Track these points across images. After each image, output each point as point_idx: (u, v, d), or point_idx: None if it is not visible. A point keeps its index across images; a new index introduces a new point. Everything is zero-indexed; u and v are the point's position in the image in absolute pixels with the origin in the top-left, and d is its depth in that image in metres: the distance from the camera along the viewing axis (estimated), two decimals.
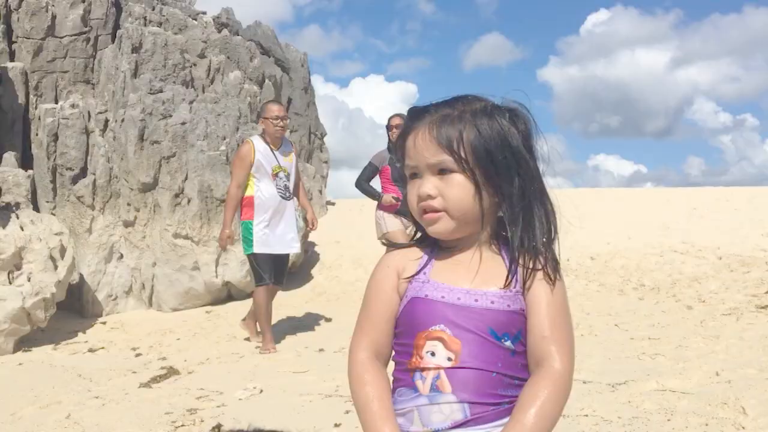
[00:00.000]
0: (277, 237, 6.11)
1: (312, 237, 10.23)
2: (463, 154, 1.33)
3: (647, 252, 9.31)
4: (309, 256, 10.18)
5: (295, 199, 6.34)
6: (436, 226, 1.37)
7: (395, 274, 1.42)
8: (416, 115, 1.41)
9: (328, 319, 7.23)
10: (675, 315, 6.22)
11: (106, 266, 8.86)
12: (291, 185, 6.21)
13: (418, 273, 1.40)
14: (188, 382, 4.85)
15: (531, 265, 1.35)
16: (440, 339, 1.33)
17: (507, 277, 1.34)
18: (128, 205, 8.96)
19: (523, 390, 1.32)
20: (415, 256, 1.43)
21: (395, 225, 6.65)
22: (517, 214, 1.35)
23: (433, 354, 1.33)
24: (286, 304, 8.29)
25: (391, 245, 1.52)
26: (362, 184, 6.78)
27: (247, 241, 6.07)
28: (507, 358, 1.33)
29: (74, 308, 8.51)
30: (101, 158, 9.01)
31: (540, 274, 1.35)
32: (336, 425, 3.55)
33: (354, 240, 11.13)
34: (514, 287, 1.35)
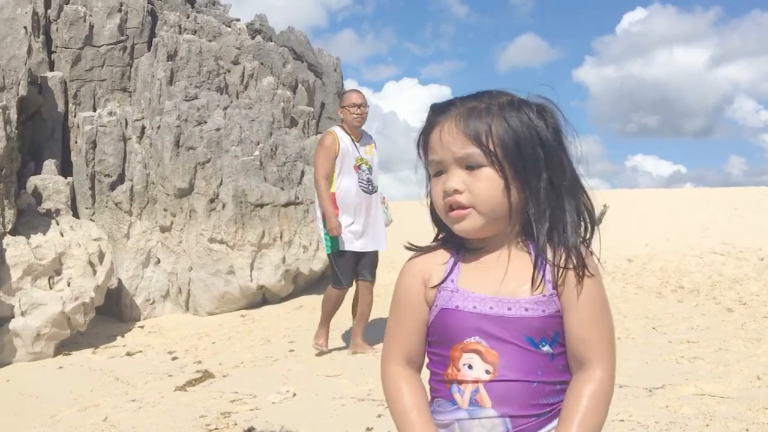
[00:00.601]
0: (364, 234, 5.84)
1: None
2: (492, 147, 1.28)
3: (686, 253, 9.13)
4: None
5: (379, 192, 6.02)
6: (463, 224, 1.31)
7: (421, 282, 1.37)
8: (440, 109, 1.35)
9: None
10: (715, 318, 6.09)
11: (143, 271, 8.98)
12: (374, 178, 5.93)
13: (445, 280, 1.35)
14: (223, 386, 4.89)
15: (563, 264, 1.29)
16: (477, 351, 1.29)
17: (533, 279, 1.29)
18: (165, 210, 9.08)
19: (565, 399, 1.29)
20: (440, 260, 1.38)
21: None
22: (543, 210, 1.29)
23: (470, 367, 1.30)
24: (320, 307, 8.30)
25: (414, 248, 1.46)
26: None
27: (329, 239, 5.78)
28: (546, 364, 1.29)
29: (113, 312, 8.64)
30: (138, 165, 9.15)
31: (573, 273, 1.29)
32: (368, 429, 3.54)
33: (389, 242, 11.12)
34: (547, 290, 1.29)
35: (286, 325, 7.41)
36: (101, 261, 7.95)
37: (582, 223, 1.33)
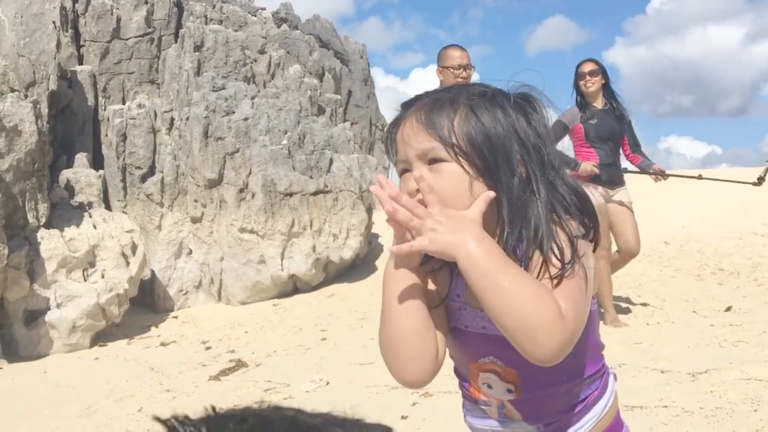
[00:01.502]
0: None
1: (375, 228, 10.20)
2: (454, 140, 1.14)
3: (725, 235, 8.91)
4: (372, 247, 10.15)
5: None
6: None
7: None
8: (407, 104, 1.24)
9: None
10: (757, 300, 5.91)
11: (176, 262, 9.03)
12: None
13: (450, 293, 1.24)
14: (256, 375, 4.88)
15: (538, 274, 1.12)
16: (493, 371, 1.22)
17: None
18: (195, 201, 9.10)
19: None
20: (444, 269, 1.24)
21: (594, 197, 5.76)
22: (516, 211, 1.14)
23: (489, 386, 1.23)
24: (352, 296, 8.28)
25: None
26: None
27: None
28: (569, 366, 1.17)
29: (147, 303, 8.71)
30: (168, 156, 9.19)
31: (545, 274, 1.12)
32: (403, 417, 3.48)
33: None
34: None
35: (317, 314, 7.39)
36: (134, 253, 8.00)
37: (568, 222, 1.16)
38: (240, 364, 5.26)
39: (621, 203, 5.38)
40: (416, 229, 1.10)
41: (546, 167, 1.18)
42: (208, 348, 6.28)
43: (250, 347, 6.04)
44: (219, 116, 9.07)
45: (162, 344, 6.82)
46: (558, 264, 1.11)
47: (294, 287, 8.88)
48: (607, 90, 5.36)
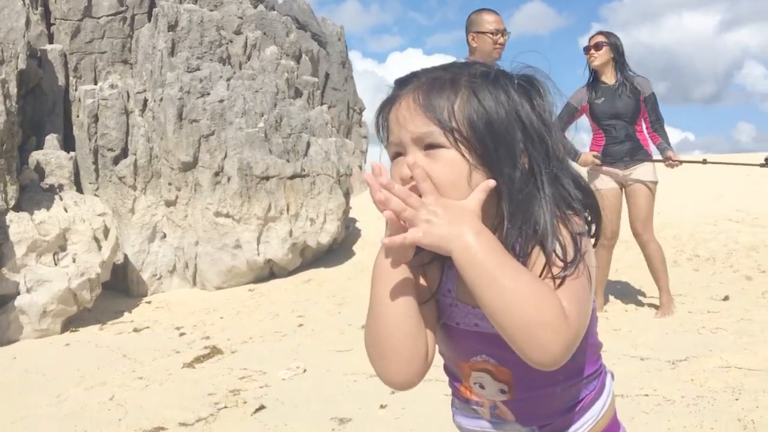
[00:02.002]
0: None
1: (353, 213, 10.11)
2: (454, 124, 1.06)
3: (700, 221, 8.96)
4: (350, 232, 10.08)
5: None
6: None
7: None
8: (402, 82, 1.14)
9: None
10: (734, 286, 5.94)
11: (149, 246, 8.88)
12: None
13: (441, 287, 1.17)
14: (231, 362, 4.79)
15: (540, 273, 1.05)
16: (486, 370, 1.15)
17: None
18: (169, 184, 8.94)
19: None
20: (434, 262, 1.17)
21: (605, 182, 5.17)
22: (517, 204, 1.06)
23: (482, 386, 1.16)
24: (329, 281, 8.21)
25: None
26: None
27: None
28: (567, 366, 1.05)
29: (120, 288, 8.56)
30: (141, 138, 9.00)
31: (547, 273, 1.05)
32: (382, 406, 3.42)
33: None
34: None
35: (293, 299, 7.31)
36: (106, 236, 7.84)
37: (572, 218, 1.09)
38: (215, 351, 5.16)
39: (638, 182, 5.10)
40: (409, 219, 1.02)
41: (551, 158, 1.10)
42: (182, 334, 6.17)
43: (225, 333, 5.94)
44: (194, 98, 8.90)
45: (135, 330, 6.70)
46: (561, 263, 1.04)
47: (270, 272, 8.78)
48: (618, 64, 5.11)
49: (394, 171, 1.12)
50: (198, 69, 9.14)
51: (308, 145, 9.21)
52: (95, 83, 9.50)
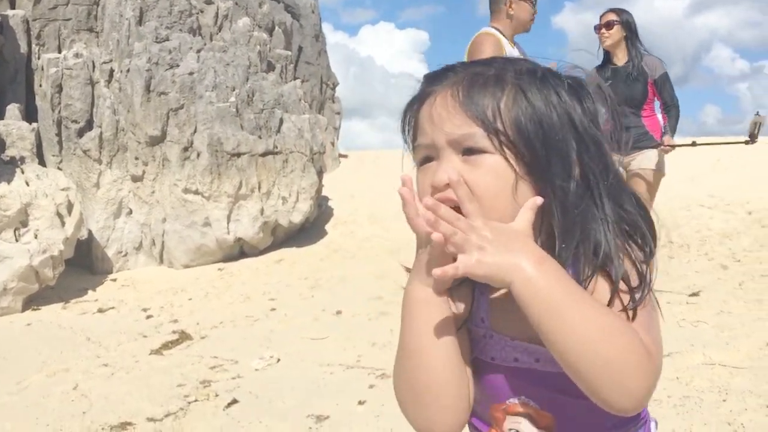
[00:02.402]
0: None
1: (326, 191, 9.93)
2: (501, 127, 0.92)
3: (672, 206, 8.95)
4: (323, 211, 9.91)
5: None
6: None
7: None
8: (435, 77, 0.99)
9: (344, 278, 6.98)
10: (710, 275, 5.92)
11: (114, 222, 8.62)
12: None
13: (472, 316, 1.01)
14: (201, 349, 4.63)
15: (613, 297, 0.91)
16: (525, 414, 0.98)
17: None
18: (136, 159, 8.67)
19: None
20: (463, 288, 0.99)
21: None
22: (573, 222, 0.92)
23: None
24: (301, 261, 8.05)
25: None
26: None
27: None
28: (617, 416, 0.93)
29: (84, 265, 8.31)
30: (107, 110, 8.69)
31: (617, 303, 0.91)
32: (360, 402, 3.30)
33: (369, 194, 10.83)
34: None
35: (265, 281, 7.14)
36: (70, 212, 7.56)
37: (632, 243, 0.96)
38: (184, 337, 4.99)
39: (639, 169, 4.83)
40: (459, 245, 0.87)
41: (609, 170, 0.95)
42: (149, 317, 5.97)
43: (194, 317, 5.76)
44: (162, 69, 8.60)
45: (99, 311, 6.48)
46: (627, 291, 0.90)
47: (240, 251, 8.59)
48: (629, 43, 4.79)
49: (422, 178, 0.97)
50: (167, 39, 8.82)
51: (281, 121, 8.98)
52: (59, 52, 9.13)
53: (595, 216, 0.93)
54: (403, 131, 1.03)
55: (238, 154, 8.44)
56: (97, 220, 8.44)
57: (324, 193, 9.83)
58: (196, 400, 3.55)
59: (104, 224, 8.51)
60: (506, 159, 0.91)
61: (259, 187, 8.51)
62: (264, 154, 8.60)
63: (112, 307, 6.61)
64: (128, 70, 8.64)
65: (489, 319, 0.99)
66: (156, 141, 8.54)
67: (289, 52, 11.33)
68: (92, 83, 8.81)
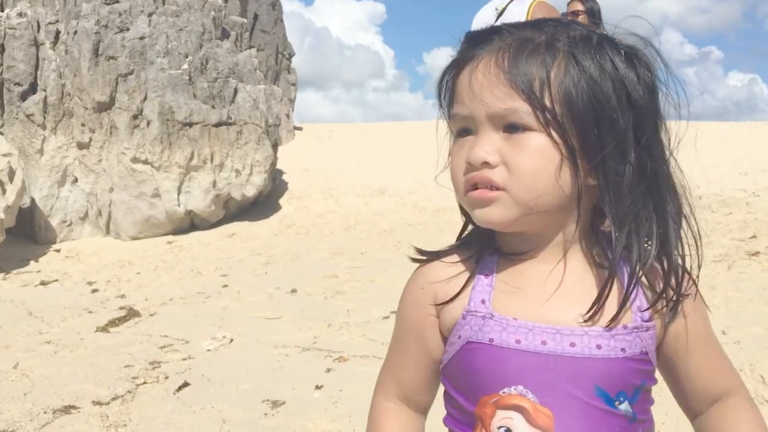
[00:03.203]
0: None
1: (280, 164, 9.74)
2: (548, 103, 0.83)
3: None
4: (277, 184, 9.72)
5: None
6: (487, 211, 0.86)
7: (431, 298, 0.94)
8: (478, 39, 0.89)
9: (299, 255, 6.85)
10: None
11: (59, 190, 8.30)
12: None
13: (471, 301, 0.91)
14: (150, 327, 4.47)
15: (670, 287, 0.88)
16: (519, 408, 0.86)
17: (620, 302, 0.86)
18: (82, 125, 8.33)
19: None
20: (460, 269, 0.93)
21: None
22: (628, 209, 0.85)
23: (508, 431, 0.87)
24: (254, 236, 7.88)
25: (424, 255, 0.98)
26: None
27: None
28: (624, 429, 0.86)
29: (26, 234, 7.99)
30: (52, 73, 8.31)
31: (680, 300, 0.89)
32: (317, 387, 3.21)
33: (324, 168, 10.68)
34: (633, 321, 0.87)
35: (217, 255, 6.96)
36: (11, 179, 7.23)
37: (677, 229, 0.90)
38: (132, 313, 4.81)
39: None
40: None
41: (664, 155, 0.87)
42: (95, 290, 5.76)
43: (142, 292, 5.57)
44: (111, 33, 8.24)
45: (42, 283, 6.23)
46: (684, 288, 0.88)
47: (191, 224, 8.37)
48: None
49: (457, 151, 0.89)
50: (117, 1, 8.46)
51: (236, 91, 8.73)
52: (1, 10, 8.66)
53: (648, 205, 0.86)
54: (439, 96, 0.93)
55: (190, 124, 8.18)
56: (40, 188, 8.11)
57: (278, 166, 9.63)
58: (144, 383, 3.41)
59: (48, 192, 8.18)
60: (552, 138, 0.83)
61: (212, 159, 8.28)
62: (217, 125, 8.36)
63: (56, 280, 6.37)
64: (75, 32, 8.27)
65: (490, 299, 0.90)
66: (104, 107, 8.21)
67: (245, 20, 11.02)
68: (37, 45, 8.40)
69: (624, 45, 0.88)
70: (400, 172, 10.76)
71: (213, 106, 8.41)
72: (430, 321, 0.94)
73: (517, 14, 4.15)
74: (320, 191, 9.70)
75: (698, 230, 0.91)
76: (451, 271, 0.93)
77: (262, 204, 9.05)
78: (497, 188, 0.84)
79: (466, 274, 0.92)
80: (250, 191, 8.50)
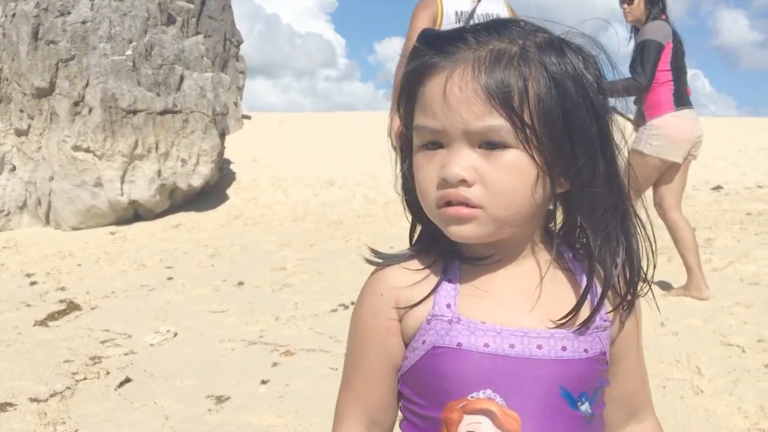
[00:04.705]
0: None
1: (227, 154, 9.60)
2: (528, 119, 0.81)
3: None
4: (224, 174, 9.58)
5: None
6: (464, 228, 0.85)
7: (392, 304, 0.91)
8: (443, 46, 0.86)
9: (246, 247, 6.77)
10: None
11: None
12: None
13: (435, 305, 0.90)
14: (91, 321, 4.35)
15: (624, 290, 0.91)
16: (487, 412, 0.85)
17: (596, 307, 0.88)
18: (21, 111, 8.05)
19: None
20: (425, 274, 0.91)
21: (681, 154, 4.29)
22: (601, 217, 0.87)
23: None
24: (200, 227, 7.76)
25: (380, 258, 0.96)
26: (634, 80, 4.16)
27: None
28: (584, 429, 0.88)
29: None
30: None
31: (629, 303, 0.93)
32: (263, 382, 3.17)
33: (272, 158, 10.58)
34: (592, 322, 0.89)
35: (162, 247, 6.82)
36: None
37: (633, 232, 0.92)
38: (72, 307, 4.68)
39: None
40: None
41: (615, 156, 0.88)
42: (33, 283, 5.59)
43: (83, 284, 5.43)
44: (52, 16, 7.99)
45: None
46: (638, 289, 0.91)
47: (135, 214, 8.19)
48: (651, 18, 4.27)
49: (425, 164, 0.86)
50: None
51: (182, 78, 8.56)
52: None
53: (616, 213, 0.88)
54: (400, 103, 0.91)
55: (134, 112, 7.99)
56: None
57: (225, 155, 9.50)
58: (84, 378, 3.32)
59: None
60: (529, 154, 0.82)
61: (157, 148, 8.11)
62: (162, 113, 8.19)
63: None
64: (14, 15, 7.98)
65: (455, 303, 0.89)
66: (43, 93, 7.96)
67: (192, 5, 10.80)
68: None
69: (577, 47, 0.87)
70: (350, 163, 10.73)
71: (158, 94, 8.23)
72: (393, 328, 0.91)
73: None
74: (268, 182, 9.61)
75: (653, 234, 0.92)
76: (413, 278, 0.91)
77: (209, 194, 8.91)
78: (473, 206, 0.83)
79: (430, 279, 0.91)
80: (197, 181, 8.36)
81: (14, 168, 8.18)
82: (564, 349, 0.86)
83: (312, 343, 3.72)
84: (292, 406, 2.92)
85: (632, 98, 4.35)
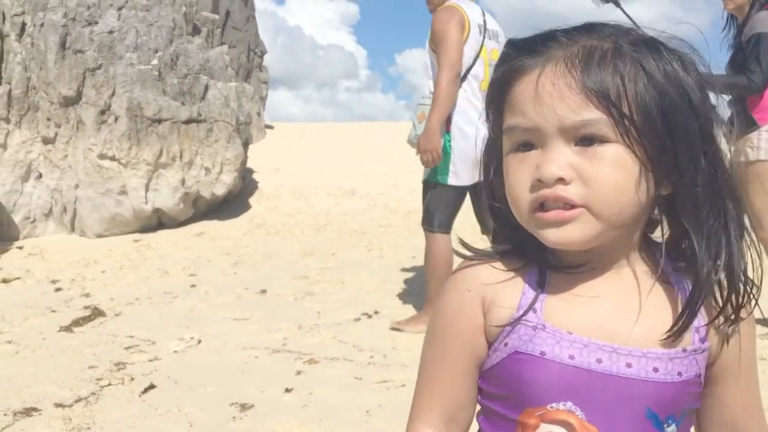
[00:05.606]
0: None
1: (250, 163, 9.65)
2: (627, 112, 0.78)
3: None
4: (247, 184, 9.62)
5: None
6: (566, 231, 0.80)
7: (479, 303, 0.88)
8: (533, 46, 0.84)
9: (268, 255, 6.78)
10: None
11: (23, 186, 8.11)
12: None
13: (523, 308, 0.86)
14: (115, 327, 4.37)
15: (729, 306, 0.85)
16: (565, 424, 0.83)
17: (679, 323, 0.83)
18: (48, 120, 8.15)
19: None
20: (512, 276, 0.88)
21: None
22: (704, 220, 0.83)
23: None
24: (223, 236, 7.79)
25: (471, 252, 0.93)
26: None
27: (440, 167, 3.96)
28: None
29: None
30: (18, 66, 8.12)
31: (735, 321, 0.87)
32: (287, 390, 3.16)
33: (294, 168, 10.61)
34: (692, 342, 0.84)
35: (185, 255, 6.85)
36: None
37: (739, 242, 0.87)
38: (96, 313, 4.70)
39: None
40: None
41: (725, 159, 0.84)
42: (58, 289, 5.63)
43: (107, 291, 5.46)
44: (79, 26, 8.09)
45: (4, 281, 6.07)
46: (743, 305, 0.86)
47: (159, 222, 8.25)
48: (758, 5, 3.81)
49: (518, 167, 0.83)
50: None
51: (206, 88, 8.63)
52: None
53: (719, 217, 0.83)
54: (488, 106, 0.88)
55: (160, 121, 8.06)
56: (3, 184, 7.92)
57: (248, 165, 9.55)
58: (109, 384, 3.32)
59: (11, 188, 7.99)
60: (631, 149, 0.79)
61: (181, 156, 8.17)
62: (187, 122, 8.25)
63: (18, 278, 6.21)
64: (42, 25, 8.10)
65: (542, 310, 0.85)
66: (70, 102, 8.05)
67: (217, 16, 10.91)
68: (2, 36, 8.21)
69: (673, 47, 0.85)
70: (370, 173, 10.74)
71: (183, 103, 8.29)
72: (478, 325, 0.88)
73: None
74: (291, 191, 9.64)
75: (758, 244, 0.88)
76: (501, 277, 0.88)
77: (232, 203, 8.96)
78: (574, 206, 0.79)
79: (518, 282, 0.88)
80: (220, 190, 8.41)
81: (41, 176, 8.28)
82: (656, 370, 0.82)
83: (335, 351, 3.70)
84: (317, 415, 2.90)
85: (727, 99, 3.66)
